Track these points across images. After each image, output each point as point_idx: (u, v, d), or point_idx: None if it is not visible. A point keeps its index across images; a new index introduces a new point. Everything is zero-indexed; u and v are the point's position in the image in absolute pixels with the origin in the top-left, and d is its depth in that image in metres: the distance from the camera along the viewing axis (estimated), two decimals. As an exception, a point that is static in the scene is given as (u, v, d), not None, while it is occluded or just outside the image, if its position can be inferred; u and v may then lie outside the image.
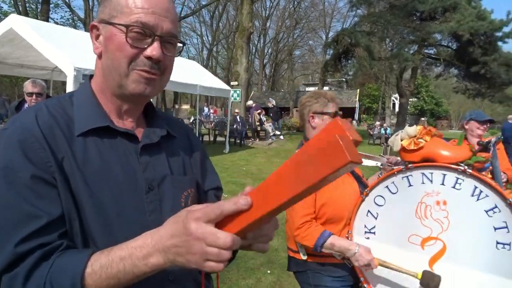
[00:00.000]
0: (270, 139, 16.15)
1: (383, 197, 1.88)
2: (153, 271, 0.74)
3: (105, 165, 0.87)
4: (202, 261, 0.68)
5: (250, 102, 16.58)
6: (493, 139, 3.10)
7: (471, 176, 1.71)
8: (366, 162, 2.06)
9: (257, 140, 16.14)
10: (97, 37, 0.92)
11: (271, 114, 18.51)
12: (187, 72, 10.60)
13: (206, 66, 44.22)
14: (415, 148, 1.82)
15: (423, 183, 1.80)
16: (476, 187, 1.70)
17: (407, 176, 1.83)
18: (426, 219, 1.78)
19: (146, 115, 1.04)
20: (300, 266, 1.97)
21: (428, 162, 1.80)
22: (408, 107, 45.99)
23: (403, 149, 1.87)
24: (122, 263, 0.73)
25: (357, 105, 40.63)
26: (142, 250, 0.72)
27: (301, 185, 0.65)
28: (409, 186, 1.83)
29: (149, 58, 0.87)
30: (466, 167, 1.71)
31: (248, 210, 0.70)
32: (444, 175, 1.76)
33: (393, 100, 38.58)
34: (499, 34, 19.43)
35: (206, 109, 26.16)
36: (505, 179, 3.16)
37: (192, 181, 1.04)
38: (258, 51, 50.73)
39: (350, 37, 20.25)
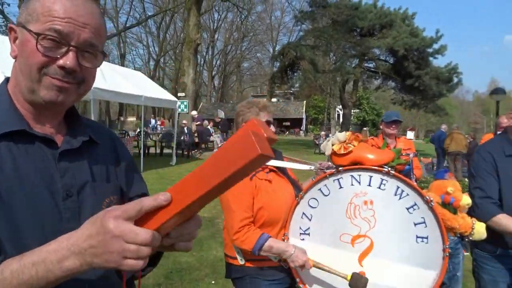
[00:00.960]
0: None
1: (316, 199, 1.97)
2: (68, 276, 0.70)
3: (18, 171, 0.83)
4: (121, 259, 0.67)
5: (194, 113, 16.43)
6: (411, 154, 3.42)
7: (394, 177, 1.85)
8: (300, 167, 2.14)
9: (204, 152, 16.04)
10: (15, 39, 0.89)
11: (219, 126, 18.55)
12: (131, 82, 10.35)
13: (153, 77, 43.33)
14: (345, 152, 1.93)
15: (352, 184, 1.92)
16: (398, 187, 1.85)
17: (338, 179, 1.94)
18: (355, 218, 1.89)
19: (69, 121, 1.00)
20: (238, 272, 1.97)
21: (357, 165, 1.92)
22: (352, 117, 48.23)
23: (334, 153, 1.98)
24: (34, 268, 0.69)
25: (304, 116, 41.86)
26: (57, 253, 0.69)
27: (218, 178, 0.68)
28: (340, 188, 1.94)
29: (61, 67, 0.85)
30: (389, 169, 1.85)
31: (168, 206, 0.71)
32: (371, 176, 1.89)
33: (338, 111, 40.20)
34: (430, 50, 21.13)
35: (153, 121, 25.61)
36: (413, 179, 3.50)
37: (115, 188, 1.01)
38: (207, 63, 50.77)
39: (296, 50, 20.97)
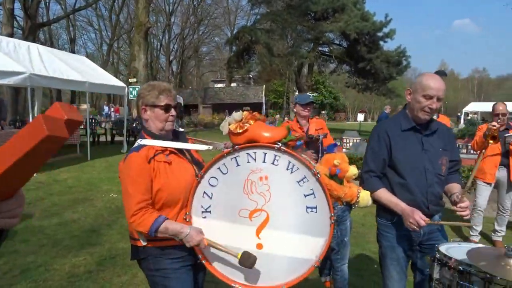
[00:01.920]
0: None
1: (216, 178, 2.02)
2: None
3: None
4: None
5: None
6: (321, 135, 3.59)
7: (286, 152, 1.94)
8: (200, 147, 2.17)
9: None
10: None
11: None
12: (74, 68, 9.92)
13: (106, 62, 41.74)
14: (240, 131, 1.99)
15: (248, 162, 1.99)
16: (290, 162, 1.94)
17: (235, 157, 2.01)
18: (252, 193, 1.98)
19: None
20: (141, 253, 1.99)
21: (252, 143, 1.99)
22: (310, 101, 48.93)
23: (231, 132, 2.03)
24: None
25: (263, 101, 42.03)
26: None
27: (13, 157, 0.74)
28: (237, 166, 2.00)
29: None
30: (281, 145, 1.93)
31: None
32: (265, 153, 1.97)
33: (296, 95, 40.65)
34: (380, 34, 21.78)
35: (106, 108, 24.77)
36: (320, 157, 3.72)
37: None
38: (164, 47, 49.42)
39: (250, 34, 20.89)
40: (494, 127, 4.64)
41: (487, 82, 74.11)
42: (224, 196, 2.02)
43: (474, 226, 5.01)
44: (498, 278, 1.51)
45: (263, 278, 1.98)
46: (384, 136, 2.33)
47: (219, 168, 2.02)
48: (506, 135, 4.68)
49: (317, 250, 1.90)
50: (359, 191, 2.01)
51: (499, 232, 5.04)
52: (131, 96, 15.06)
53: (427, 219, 2.07)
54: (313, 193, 1.91)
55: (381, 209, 2.38)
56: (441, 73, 15.24)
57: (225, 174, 2.02)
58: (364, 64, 21.61)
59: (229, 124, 2.04)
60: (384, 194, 2.26)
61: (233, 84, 47.69)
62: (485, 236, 5.28)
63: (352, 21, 20.13)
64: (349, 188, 1.98)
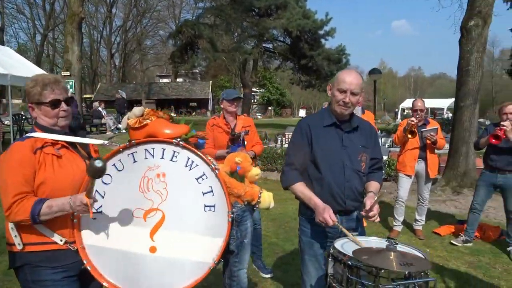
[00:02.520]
0: (111, 133, 15.22)
1: (110, 175, 1.89)
2: None
3: None
4: None
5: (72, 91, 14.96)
6: (243, 133, 3.56)
7: (185, 148, 1.85)
8: (94, 142, 2.03)
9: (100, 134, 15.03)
10: None
11: (115, 105, 17.44)
12: (-6, 59, 9.10)
13: (40, 54, 39.00)
14: (139, 126, 1.88)
15: (146, 158, 1.89)
16: (189, 158, 1.86)
17: (132, 153, 1.89)
18: (148, 192, 1.87)
19: None
20: (17, 260, 1.76)
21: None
22: (257, 97, 49.32)
23: (130, 127, 1.92)
24: None
25: (210, 96, 41.60)
26: None
27: None
28: (134, 162, 1.89)
29: None
30: (179, 140, 1.84)
31: None
32: (164, 149, 1.88)
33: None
34: (321, 32, 22.36)
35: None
36: (252, 155, 3.62)
37: None
38: (105, 40, 47.14)
39: (194, 28, 20.48)
40: (413, 122, 4.91)
41: (422, 80, 79.15)
42: (117, 195, 1.89)
43: (396, 216, 5.28)
44: (382, 271, 1.54)
45: (156, 286, 1.87)
46: (306, 130, 2.30)
47: (114, 165, 1.89)
48: (423, 129, 4.96)
49: (214, 252, 1.83)
50: (261, 191, 1.98)
51: (419, 222, 5.36)
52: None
53: (335, 220, 2.06)
54: (211, 191, 1.84)
55: (302, 204, 2.37)
56: (376, 71, 15.87)
57: (120, 171, 1.89)
58: (306, 61, 22.08)
59: (128, 119, 1.92)
60: (299, 187, 2.23)
61: (179, 80, 46.69)
62: (409, 226, 5.59)
63: (294, 18, 20.45)
64: (250, 188, 1.94)
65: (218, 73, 45.42)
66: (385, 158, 9.57)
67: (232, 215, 1.80)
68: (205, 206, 1.84)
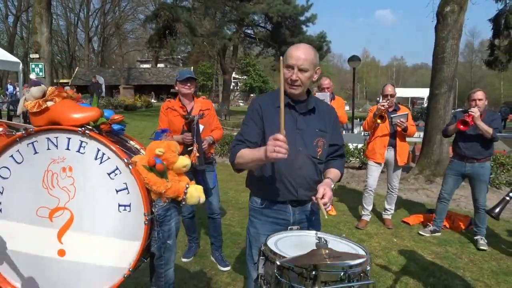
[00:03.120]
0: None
1: (8, 168, 1.63)
2: None
3: None
4: None
5: (32, 76, 14.25)
6: (197, 116, 3.29)
7: (94, 138, 1.59)
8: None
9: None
10: None
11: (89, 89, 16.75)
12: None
13: (13, 35, 37.48)
14: (38, 110, 1.60)
15: (48, 149, 1.62)
16: (99, 150, 1.60)
17: (33, 143, 1.62)
18: (53, 188, 1.62)
19: None
20: None
21: (56, 125, 1.61)
22: (240, 84, 48.77)
23: (30, 112, 1.63)
24: None
25: (191, 83, 40.85)
26: None
27: None
28: (35, 153, 1.63)
29: None
30: (85, 128, 1.58)
31: None
32: (69, 138, 1.61)
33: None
34: (302, 18, 21.99)
35: (10, 87, 22.20)
36: (210, 141, 3.55)
37: None
38: (82, 23, 45.59)
39: (171, 12, 19.83)
40: (383, 107, 4.73)
41: (404, 70, 79.88)
42: (19, 191, 1.63)
43: (365, 205, 5.13)
44: (313, 272, 1.33)
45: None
46: (258, 109, 2.02)
47: (12, 156, 1.62)
48: (393, 115, 4.79)
49: (130, 257, 1.59)
50: (187, 186, 1.73)
51: (388, 211, 5.23)
52: (34, 74, 13.55)
53: (284, 134, 1.64)
54: (126, 188, 1.59)
55: (253, 189, 2.11)
56: (355, 58, 15.69)
57: (19, 163, 1.62)
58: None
59: (26, 101, 1.64)
60: (244, 151, 1.89)
61: (160, 65, 45.70)
62: (379, 215, 5.47)
63: (274, 3, 19.97)
64: (173, 183, 1.68)
65: (199, 59, 44.56)
66: (360, 146, 9.46)
67: (149, 216, 1.56)
68: (119, 205, 1.59)
